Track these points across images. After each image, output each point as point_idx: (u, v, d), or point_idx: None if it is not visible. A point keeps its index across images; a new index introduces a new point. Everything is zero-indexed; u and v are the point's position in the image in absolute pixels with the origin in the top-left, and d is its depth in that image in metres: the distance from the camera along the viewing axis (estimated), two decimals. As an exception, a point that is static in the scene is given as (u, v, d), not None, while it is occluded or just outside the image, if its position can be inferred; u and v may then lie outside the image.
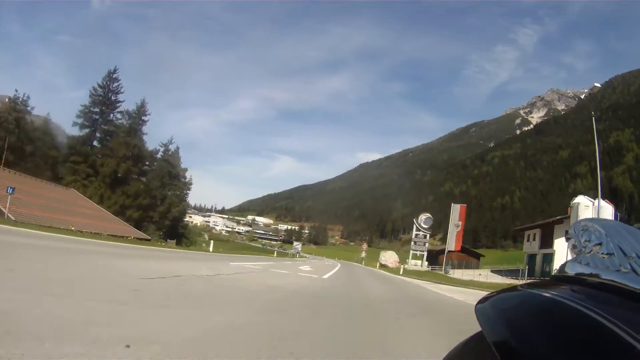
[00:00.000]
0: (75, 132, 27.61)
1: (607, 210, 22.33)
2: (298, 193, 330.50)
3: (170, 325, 2.83)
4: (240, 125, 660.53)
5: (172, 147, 35.84)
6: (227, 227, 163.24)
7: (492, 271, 37.86)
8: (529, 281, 0.84)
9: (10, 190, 16.43)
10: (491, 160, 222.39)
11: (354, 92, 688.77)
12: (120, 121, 27.80)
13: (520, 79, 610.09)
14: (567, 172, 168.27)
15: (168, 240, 26.04)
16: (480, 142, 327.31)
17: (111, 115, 27.94)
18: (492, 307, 0.68)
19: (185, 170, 34.93)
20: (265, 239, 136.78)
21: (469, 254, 55.58)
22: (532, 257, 36.23)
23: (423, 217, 52.17)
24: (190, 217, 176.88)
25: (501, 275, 34.40)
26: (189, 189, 36.25)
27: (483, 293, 1.18)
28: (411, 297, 9.88)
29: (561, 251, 28.37)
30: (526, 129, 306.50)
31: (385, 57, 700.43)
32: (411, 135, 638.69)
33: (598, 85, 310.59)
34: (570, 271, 0.69)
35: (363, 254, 59.77)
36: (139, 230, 23.55)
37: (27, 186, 19.55)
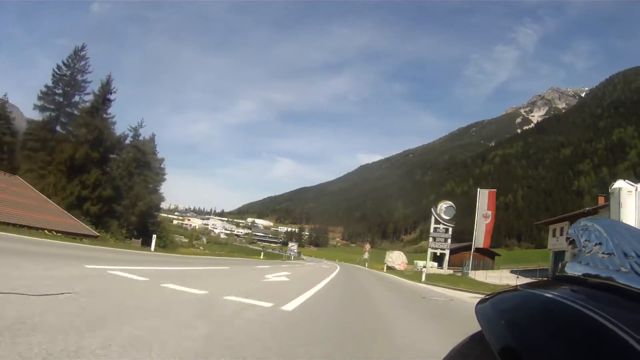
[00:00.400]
0: (36, 116, 24.76)
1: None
2: (298, 195, 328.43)
3: None
4: (241, 128, 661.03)
5: (146, 134, 32.80)
6: (226, 229, 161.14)
7: (512, 271, 33.67)
8: (528, 281, 0.84)
9: None
10: (492, 160, 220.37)
11: (355, 94, 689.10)
12: (87, 104, 25.39)
13: (520, 78, 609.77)
14: (570, 170, 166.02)
15: (133, 239, 23.17)
16: (481, 142, 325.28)
17: (77, 97, 25.43)
18: (492, 307, 0.67)
19: (161, 160, 31.79)
20: (265, 241, 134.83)
21: (482, 253, 48.81)
22: (559, 255, 31.15)
23: (443, 205, 41.44)
24: (189, 219, 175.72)
25: (534, 277, 28.73)
26: (162, 181, 32.12)
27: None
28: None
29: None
30: (527, 127, 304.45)
31: (385, 58, 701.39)
32: (412, 136, 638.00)
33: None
34: (570, 271, 0.69)
35: (366, 255, 54.85)
36: (99, 226, 20.74)
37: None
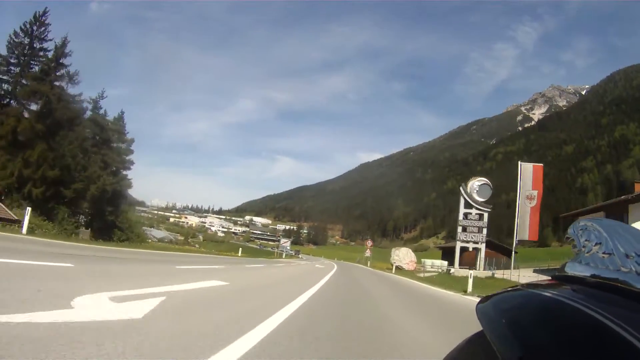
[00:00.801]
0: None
1: None
2: (298, 193, 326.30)
3: None
4: (241, 127, 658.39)
5: (114, 111, 30.18)
6: (223, 227, 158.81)
7: (535, 270, 30.62)
8: (529, 281, 0.82)
9: None
10: (494, 157, 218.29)
11: (355, 92, 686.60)
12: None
13: (520, 76, 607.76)
14: (573, 167, 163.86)
15: (82, 230, 19.50)
16: (482, 140, 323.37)
17: (34, 67, 22.48)
18: (493, 306, 0.67)
19: (130, 141, 27.32)
20: (262, 239, 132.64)
21: (496, 249, 41.59)
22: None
23: (475, 183, 31.91)
24: (186, 217, 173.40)
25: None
26: (128, 164, 27.62)
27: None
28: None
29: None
30: (528, 125, 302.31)
31: (385, 57, 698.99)
32: (412, 134, 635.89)
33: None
34: (570, 271, 0.69)
35: (368, 253, 48.30)
36: (42, 214, 17.40)
37: None
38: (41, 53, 22.64)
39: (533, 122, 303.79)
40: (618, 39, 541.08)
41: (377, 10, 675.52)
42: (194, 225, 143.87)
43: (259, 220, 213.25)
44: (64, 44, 22.41)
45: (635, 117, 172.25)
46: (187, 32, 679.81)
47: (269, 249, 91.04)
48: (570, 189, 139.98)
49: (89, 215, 23.98)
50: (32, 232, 12.06)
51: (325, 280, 10.68)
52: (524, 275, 23.41)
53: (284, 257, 50.02)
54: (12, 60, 21.41)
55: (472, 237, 30.92)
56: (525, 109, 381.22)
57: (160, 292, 3.88)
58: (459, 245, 31.15)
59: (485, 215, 31.38)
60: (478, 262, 30.04)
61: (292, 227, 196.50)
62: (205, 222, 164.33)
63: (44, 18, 22.70)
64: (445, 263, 35.34)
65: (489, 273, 28.38)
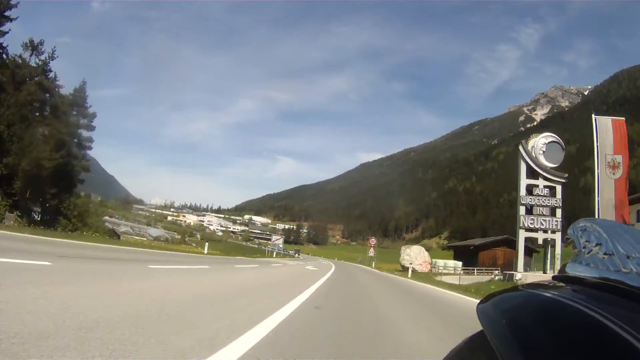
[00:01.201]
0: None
1: None
2: (298, 193, 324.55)
3: None
4: (241, 127, 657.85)
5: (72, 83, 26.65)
6: (221, 226, 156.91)
7: None
8: (529, 282, 0.82)
9: None
10: (496, 157, 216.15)
11: (356, 92, 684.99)
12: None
13: (522, 77, 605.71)
14: (577, 167, 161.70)
15: (7, 214, 15.83)
16: (483, 140, 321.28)
17: None
18: (493, 307, 0.67)
19: (92, 116, 23.57)
20: (261, 238, 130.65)
21: (515, 247, 37.37)
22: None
23: (540, 140, 21.99)
24: (184, 216, 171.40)
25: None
26: (87, 142, 23.82)
27: None
28: None
29: None
30: (530, 125, 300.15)
31: (386, 57, 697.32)
32: (413, 134, 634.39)
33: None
34: (571, 271, 0.69)
35: (371, 253, 43.08)
36: None
37: None
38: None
39: (535, 123, 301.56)
40: (620, 40, 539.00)
41: (377, 10, 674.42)
42: (192, 224, 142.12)
43: (258, 219, 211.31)
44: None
45: (639, 117, 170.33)
46: (187, 31, 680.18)
47: (267, 247, 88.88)
48: (574, 189, 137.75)
49: (24, 198, 19.72)
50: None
51: (305, 295, 6.03)
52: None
53: (274, 255, 44.61)
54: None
55: (541, 223, 20.24)
56: (528, 110, 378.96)
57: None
58: (522, 236, 20.15)
59: (559, 189, 21.48)
60: (520, 262, 20.04)
61: (291, 227, 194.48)
62: (203, 221, 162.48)
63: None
64: (460, 264, 32.43)
65: (547, 275, 17.97)
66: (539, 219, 20.29)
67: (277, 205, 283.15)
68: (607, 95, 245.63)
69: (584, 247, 0.68)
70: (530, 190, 20.87)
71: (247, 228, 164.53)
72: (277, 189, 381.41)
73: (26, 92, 19.69)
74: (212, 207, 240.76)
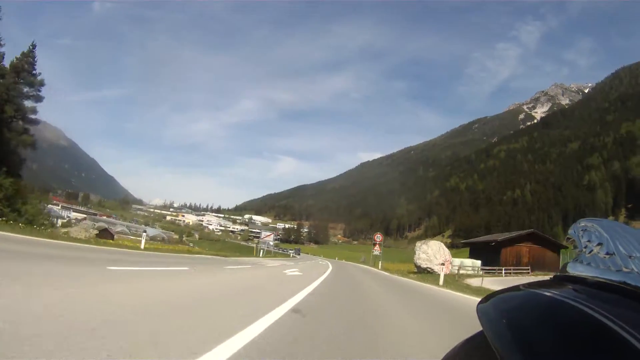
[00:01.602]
0: None
1: None
2: (298, 192, 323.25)
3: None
4: (243, 127, 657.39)
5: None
6: (221, 226, 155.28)
7: None
8: (530, 281, 0.81)
9: None
10: (497, 154, 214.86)
11: (356, 92, 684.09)
12: None
13: (522, 75, 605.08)
14: (579, 164, 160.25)
15: None
16: (483, 138, 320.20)
17: None
18: (493, 306, 0.67)
19: (39, 84, 20.58)
20: (261, 238, 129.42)
21: (541, 243, 31.55)
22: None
23: None
24: (183, 215, 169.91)
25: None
26: (26, 112, 20.62)
27: None
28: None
29: None
30: (530, 124, 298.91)
31: (386, 57, 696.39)
32: (413, 134, 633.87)
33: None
34: (572, 271, 0.69)
35: (376, 251, 37.34)
36: None
37: None
38: None
39: (535, 121, 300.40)
40: (621, 38, 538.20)
41: (378, 10, 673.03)
42: (190, 223, 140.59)
43: (259, 218, 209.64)
44: None
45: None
46: (189, 32, 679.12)
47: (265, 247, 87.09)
48: (577, 186, 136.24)
49: None
50: None
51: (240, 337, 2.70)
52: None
53: (262, 255, 38.44)
54: None
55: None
56: (528, 108, 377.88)
57: None
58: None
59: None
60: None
61: (292, 226, 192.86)
62: (203, 221, 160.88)
63: None
64: (478, 263, 28.30)
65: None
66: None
67: (277, 204, 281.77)
68: (609, 92, 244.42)
69: (585, 247, 0.68)
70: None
71: (247, 228, 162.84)
72: (278, 189, 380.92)
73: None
74: (212, 207, 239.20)
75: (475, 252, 33.53)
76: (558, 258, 31.18)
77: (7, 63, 20.48)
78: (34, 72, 21.12)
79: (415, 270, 25.83)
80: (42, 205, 23.23)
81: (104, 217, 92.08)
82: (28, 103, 21.44)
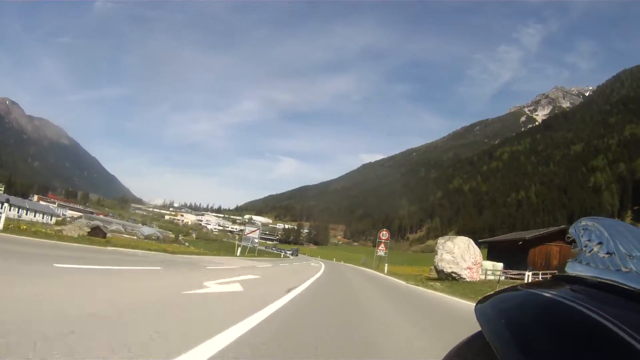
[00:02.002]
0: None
1: None
2: (299, 193, 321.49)
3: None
4: (244, 127, 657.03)
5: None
6: (219, 225, 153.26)
7: None
8: (529, 281, 0.78)
9: None
10: (500, 156, 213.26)
11: (357, 93, 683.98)
12: None
13: (524, 78, 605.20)
14: (584, 166, 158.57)
15: None
16: (485, 140, 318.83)
17: None
18: (492, 307, 0.67)
19: None
20: (261, 238, 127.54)
21: (559, 240, 27.89)
22: None
23: None
24: (182, 215, 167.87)
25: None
26: None
27: None
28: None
29: None
30: (531, 126, 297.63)
31: (388, 58, 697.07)
32: (414, 136, 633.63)
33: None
34: (571, 271, 0.69)
35: (381, 251, 32.65)
36: None
37: None
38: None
39: (537, 123, 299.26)
40: (622, 42, 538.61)
41: (380, 11, 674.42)
42: (189, 223, 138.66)
43: (259, 219, 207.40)
44: None
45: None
46: (189, 31, 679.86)
47: (263, 247, 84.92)
48: (582, 188, 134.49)
49: None
50: None
51: None
52: None
53: (246, 254, 31.00)
54: None
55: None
56: (529, 110, 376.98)
57: None
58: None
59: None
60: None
61: (292, 227, 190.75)
62: (202, 220, 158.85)
63: None
64: (500, 265, 23.35)
65: None
66: None
67: (279, 205, 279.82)
68: (610, 94, 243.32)
69: (585, 246, 0.67)
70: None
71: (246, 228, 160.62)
72: (279, 190, 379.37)
73: None
74: (212, 207, 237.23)
75: (495, 254, 29.46)
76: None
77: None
78: None
79: (436, 275, 20.06)
80: None
81: (101, 216, 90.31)
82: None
